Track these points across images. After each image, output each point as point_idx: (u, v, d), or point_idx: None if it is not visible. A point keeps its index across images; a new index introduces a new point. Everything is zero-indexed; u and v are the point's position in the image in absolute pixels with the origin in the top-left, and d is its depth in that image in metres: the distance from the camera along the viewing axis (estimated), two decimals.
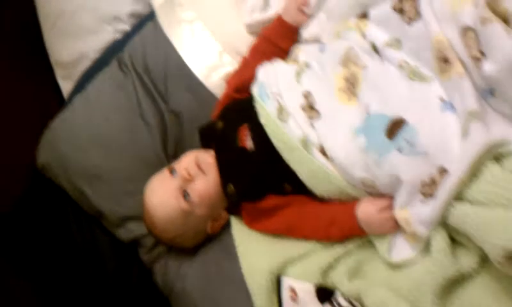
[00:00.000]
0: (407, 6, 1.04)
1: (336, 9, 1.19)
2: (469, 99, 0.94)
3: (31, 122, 1.53)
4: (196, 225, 1.24)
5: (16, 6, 1.66)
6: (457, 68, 0.95)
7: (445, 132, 0.96)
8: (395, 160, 0.99)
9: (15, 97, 1.53)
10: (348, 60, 1.11)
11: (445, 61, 0.97)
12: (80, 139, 1.41)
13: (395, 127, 0.99)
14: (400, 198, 1.01)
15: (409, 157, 0.98)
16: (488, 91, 0.94)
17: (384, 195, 1.07)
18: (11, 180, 1.42)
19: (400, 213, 1.02)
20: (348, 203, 1.11)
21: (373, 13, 1.12)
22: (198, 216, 1.22)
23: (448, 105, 0.98)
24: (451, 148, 0.96)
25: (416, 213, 0.99)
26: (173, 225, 1.22)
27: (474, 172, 0.92)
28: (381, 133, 1.00)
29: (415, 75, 1.03)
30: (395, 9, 1.06)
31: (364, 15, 1.14)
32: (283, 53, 1.30)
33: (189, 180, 1.19)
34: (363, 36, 1.12)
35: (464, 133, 0.94)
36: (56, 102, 1.65)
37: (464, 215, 0.92)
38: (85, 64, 1.59)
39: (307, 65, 1.19)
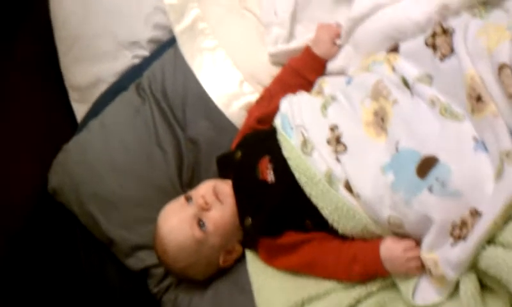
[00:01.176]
0: (440, 42, 1.02)
1: (364, 42, 1.17)
2: (503, 139, 0.91)
3: (42, 144, 1.51)
4: (208, 256, 1.20)
5: (33, 28, 1.65)
6: (491, 107, 0.93)
7: (478, 172, 0.94)
8: (425, 200, 0.96)
9: (27, 119, 1.51)
10: (377, 93, 1.09)
11: (477, 99, 0.94)
12: (94, 164, 1.38)
13: (426, 165, 0.96)
14: (429, 239, 0.97)
15: (440, 197, 0.94)
16: None
17: (410, 235, 1.03)
18: (21, 203, 1.38)
19: (428, 255, 0.98)
20: (372, 240, 1.07)
21: (404, 46, 1.10)
22: (211, 246, 1.18)
23: (481, 145, 0.95)
24: (484, 189, 0.93)
25: (445, 255, 0.95)
26: (185, 254, 1.18)
27: (508, 215, 0.89)
28: (411, 171, 0.97)
29: (446, 112, 1.00)
30: (427, 44, 1.04)
31: (394, 49, 1.12)
32: (310, 85, 1.28)
33: (205, 208, 1.16)
34: (393, 69, 1.10)
35: (499, 174, 0.91)
36: (68, 125, 1.63)
37: (496, 259, 0.89)
38: (101, 89, 1.57)
39: (333, 98, 1.16)
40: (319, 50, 1.26)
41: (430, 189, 0.95)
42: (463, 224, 0.94)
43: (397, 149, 1.01)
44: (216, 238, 1.17)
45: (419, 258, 1.01)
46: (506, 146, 0.90)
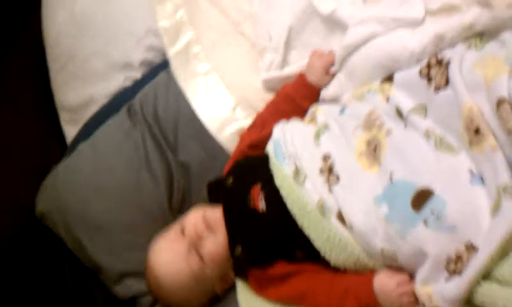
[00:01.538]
0: (434, 73, 1.01)
1: (358, 71, 1.15)
2: (502, 173, 0.89)
3: (30, 165, 1.48)
4: (204, 286, 1.17)
5: (25, 47, 1.63)
6: (490, 140, 0.91)
7: (474, 206, 0.92)
8: (420, 234, 0.94)
9: (16, 139, 1.48)
10: (370, 124, 1.07)
11: (476, 132, 0.93)
12: (84, 188, 1.35)
13: (422, 198, 0.94)
14: (423, 273, 0.95)
15: (435, 231, 0.92)
16: None
17: (404, 268, 1.01)
18: (7, 226, 1.35)
19: (422, 289, 0.96)
20: (364, 274, 1.05)
21: (398, 76, 1.08)
22: (208, 277, 1.15)
23: (477, 178, 0.94)
24: (480, 224, 0.91)
25: (440, 290, 0.93)
26: (182, 287, 1.15)
27: (505, 250, 0.87)
28: (405, 203, 0.95)
29: (442, 145, 0.98)
30: (421, 74, 1.03)
31: (388, 78, 1.10)
32: (303, 112, 1.26)
33: (198, 240, 1.13)
34: (387, 99, 1.08)
35: (496, 208, 0.89)
36: (57, 145, 1.61)
37: (492, 295, 0.87)
38: (92, 110, 1.55)
39: (326, 126, 1.14)
40: (311, 78, 1.25)
41: (425, 223, 0.93)
42: (458, 258, 0.92)
43: (391, 180, 0.99)
44: (212, 269, 1.15)
45: (413, 293, 0.98)
46: (504, 181, 0.88)
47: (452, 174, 0.95)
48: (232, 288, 1.21)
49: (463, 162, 0.96)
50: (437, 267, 0.93)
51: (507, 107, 0.88)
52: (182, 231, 1.16)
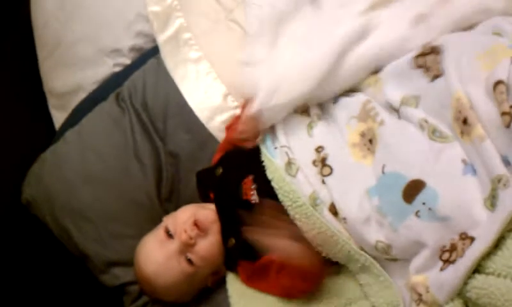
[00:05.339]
0: (430, 62, 0.99)
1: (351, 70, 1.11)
2: (493, 164, 0.87)
3: (17, 151, 1.45)
4: (197, 284, 1.17)
5: (14, 32, 1.60)
6: (477, 130, 0.89)
7: (467, 196, 0.90)
8: (413, 225, 0.93)
9: (1, 123, 1.45)
10: (365, 115, 1.05)
11: (464, 122, 0.91)
12: (70, 176, 1.33)
13: (413, 190, 0.93)
14: (417, 263, 0.94)
15: (428, 222, 0.91)
16: None
17: (398, 259, 1.00)
18: None
19: (416, 279, 0.94)
20: None
21: (390, 67, 1.06)
22: (201, 276, 1.15)
23: (470, 168, 0.92)
24: (473, 214, 0.89)
25: (436, 278, 0.91)
26: (176, 290, 1.15)
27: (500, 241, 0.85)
28: (397, 195, 0.94)
29: (435, 134, 0.96)
30: (417, 64, 1.01)
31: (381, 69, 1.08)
32: None
33: (190, 244, 1.11)
34: (380, 90, 1.06)
35: (492, 199, 0.87)
36: (45, 131, 1.58)
37: (489, 288, 0.84)
38: (80, 96, 1.52)
39: (319, 117, 1.12)
40: None
41: (417, 214, 0.92)
42: (453, 248, 0.90)
43: (383, 172, 0.98)
44: (205, 269, 1.14)
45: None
46: (496, 171, 0.87)
47: (444, 165, 0.93)
48: (222, 280, 1.20)
49: (456, 151, 0.94)
50: (431, 256, 0.93)
51: (503, 88, 0.85)
52: (171, 233, 1.14)
